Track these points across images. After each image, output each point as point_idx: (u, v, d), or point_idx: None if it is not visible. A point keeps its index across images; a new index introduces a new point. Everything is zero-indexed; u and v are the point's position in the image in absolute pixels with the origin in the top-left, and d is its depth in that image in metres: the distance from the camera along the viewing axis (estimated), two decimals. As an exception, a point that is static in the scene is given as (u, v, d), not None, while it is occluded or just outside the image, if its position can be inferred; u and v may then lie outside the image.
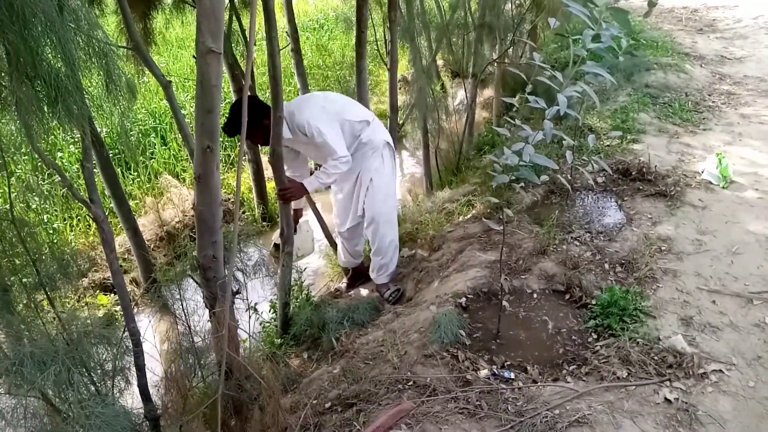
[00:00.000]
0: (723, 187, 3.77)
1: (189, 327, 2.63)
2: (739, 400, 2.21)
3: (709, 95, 5.80)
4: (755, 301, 2.74)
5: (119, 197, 4.40)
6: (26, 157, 5.07)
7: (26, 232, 2.38)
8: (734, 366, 2.37)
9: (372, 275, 3.86)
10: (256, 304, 3.66)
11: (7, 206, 2.28)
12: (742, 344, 2.49)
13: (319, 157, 3.49)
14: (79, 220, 5.43)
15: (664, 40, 7.60)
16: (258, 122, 3.13)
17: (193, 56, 2.16)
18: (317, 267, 4.81)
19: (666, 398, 2.20)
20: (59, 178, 2.84)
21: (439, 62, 8.22)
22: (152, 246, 5.27)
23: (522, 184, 2.46)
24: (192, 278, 2.75)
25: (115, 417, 2.14)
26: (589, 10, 2.92)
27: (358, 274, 4.13)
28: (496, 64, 6.14)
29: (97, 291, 4.65)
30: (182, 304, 2.64)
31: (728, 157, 3.99)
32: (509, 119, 2.50)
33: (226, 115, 3.24)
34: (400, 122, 5.87)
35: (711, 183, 3.83)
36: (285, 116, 3.20)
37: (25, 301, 2.42)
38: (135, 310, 3.95)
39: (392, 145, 3.58)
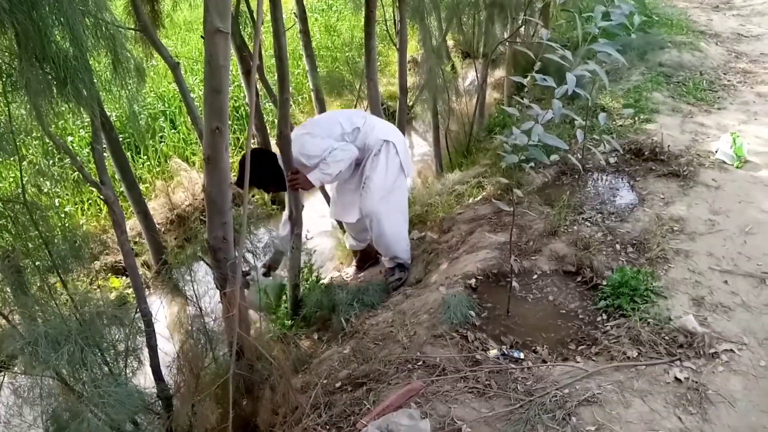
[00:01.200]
0: (737, 167, 3.72)
1: (200, 308, 2.66)
2: (749, 379, 2.20)
3: (725, 74, 5.69)
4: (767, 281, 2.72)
5: (129, 181, 4.43)
6: (37, 141, 5.11)
7: (38, 216, 2.40)
8: (745, 346, 2.36)
9: (382, 258, 3.86)
10: (266, 285, 3.69)
11: (20, 190, 2.30)
12: (753, 324, 2.48)
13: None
14: (90, 204, 5.48)
15: (679, 17, 7.46)
16: (269, 172, 3.31)
17: (202, 37, 2.15)
18: (327, 250, 4.81)
19: (676, 378, 2.20)
20: (70, 162, 2.86)
21: (450, 43, 8.13)
22: (163, 229, 5.31)
23: (532, 164, 2.44)
24: (203, 260, 2.77)
25: (128, 396, 2.17)
26: (601, -14, 2.87)
27: (366, 257, 4.14)
28: (507, 44, 6.06)
29: (109, 274, 4.71)
30: (193, 286, 2.66)
31: (743, 137, 3.93)
32: (519, 99, 2.47)
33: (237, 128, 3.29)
34: (410, 104, 5.83)
35: (725, 162, 3.78)
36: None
37: (38, 283, 2.46)
38: (147, 292, 3.99)
39: (394, 139, 3.50)
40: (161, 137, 6.61)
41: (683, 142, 4.12)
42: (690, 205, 3.35)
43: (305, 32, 4.93)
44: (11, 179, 5.01)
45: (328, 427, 2.21)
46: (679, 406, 2.08)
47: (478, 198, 4.12)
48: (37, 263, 2.45)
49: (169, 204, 5.51)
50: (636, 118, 4.48)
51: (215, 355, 2.59)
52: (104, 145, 3.80)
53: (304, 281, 3.74)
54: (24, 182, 2.37)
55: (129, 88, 2.38)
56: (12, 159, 2.46)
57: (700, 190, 3.50)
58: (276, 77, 2.96)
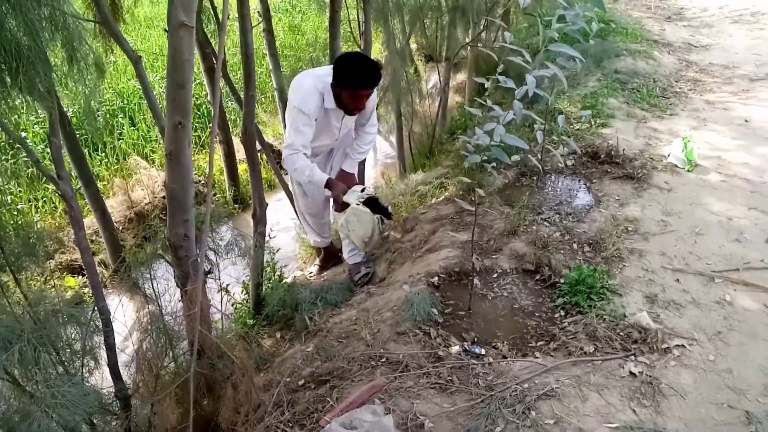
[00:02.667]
0: (688, 170, 3.87)
1: (159, 307, 2.61)
2: (699, 373, 2.30)
3: (676, 81, 5.92)
4: (716, 279, 2.84)
5: (87, 177, 4.31)
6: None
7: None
8: (696, 341, 2.46)
9: (344, 255, 3.86)
10: (228, 285, 3.65)
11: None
12: (703, 320, 2.58)
13: (339, 133, 3.34)
14: (45, 201, 5.31)
15: (634, 27, 7.71)
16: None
17: (165, 31, 2.13)
18: (289, 249, 4.79)
19: (631, 372, 2.27)
20: (26, 156, 2.77)
21: (413, 46, 8.20)
22: (121, 227, 5.20)
23: (494, 164, 2.49)
24: (163, 258, 2.72)
25: (84, 396, 2.12)
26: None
27: (330, 255, 4.13)
28: (469, 48, 6.16)
29: (65, 273, 4.57)
30: (153, 284, 2.61)
31: (693, 142, 4.09)
32: (482, 102, 2.52)
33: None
34: (374, 105, 5.85)
35: (676, 166, 3.93)
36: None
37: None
38: (104, 291, 3.89)
39: None
40: (120, 134, 6.46)
41: (637, 146, 4.27)
42: (643, 207, 3.47)
43: (269, 31, 4.88)
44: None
45: (291, 424, 2.21)
46: (633, 399, 2.16)
47: (441, 198, 4.17)
48: (-13, 261, 2.37)
49: (128, 202, 5.39)
50: (592, 123, 4.61)
51: (175, 354, 2.55)
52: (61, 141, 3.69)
53: (266, 280, 3.71)
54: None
55: (87, 82, 2.32)
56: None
57: (653, 192, 3.63)
58: (241, 74, 2.94)
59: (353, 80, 2.94)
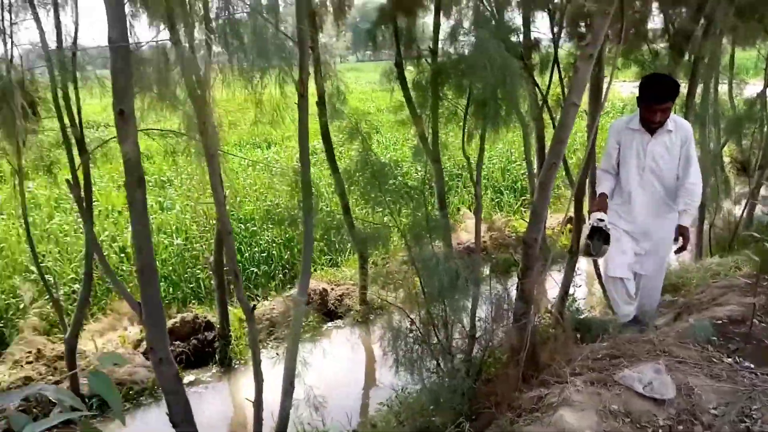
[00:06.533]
0: None
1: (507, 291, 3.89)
2: None
3: None
4: None
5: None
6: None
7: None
8: None
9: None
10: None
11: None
12: None
13: (644, 157, 3.96)
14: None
15: None
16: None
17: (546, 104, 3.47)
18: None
19: None
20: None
21: (725, 159, 8.56)
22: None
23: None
24: (513, 259, 4.03)
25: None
26: None
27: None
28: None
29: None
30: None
31: None
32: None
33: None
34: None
35: None
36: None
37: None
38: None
39: None
40: (455, 192, 8.38)
41: None
42: None
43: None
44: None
45: (591, 369, 3.21)
46: None
47: (736, 275, 4.72)
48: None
49: (457, 239, 7.08)
50: None
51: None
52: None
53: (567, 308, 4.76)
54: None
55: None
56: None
57: None
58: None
59: (644, 94, 3.74)
